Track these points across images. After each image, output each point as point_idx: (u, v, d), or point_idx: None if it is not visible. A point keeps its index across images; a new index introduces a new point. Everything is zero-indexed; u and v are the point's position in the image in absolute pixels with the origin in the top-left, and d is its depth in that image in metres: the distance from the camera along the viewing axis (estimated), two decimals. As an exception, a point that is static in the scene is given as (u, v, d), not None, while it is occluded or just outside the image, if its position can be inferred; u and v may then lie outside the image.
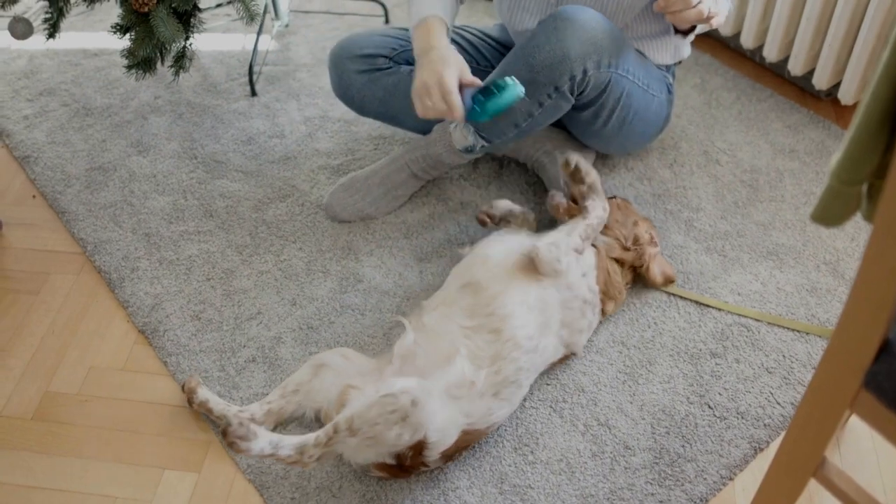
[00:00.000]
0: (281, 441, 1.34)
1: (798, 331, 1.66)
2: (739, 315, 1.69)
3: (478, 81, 1.55)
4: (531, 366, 1.47)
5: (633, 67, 1.68)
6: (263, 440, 1.33)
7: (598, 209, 1.59)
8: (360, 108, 1.87)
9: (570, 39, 1.54)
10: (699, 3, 1.50)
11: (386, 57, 1.80)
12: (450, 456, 1.41)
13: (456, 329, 1.46)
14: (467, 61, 1.85)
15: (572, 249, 1.52)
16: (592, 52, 1.55)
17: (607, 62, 1.59)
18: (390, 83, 1.80)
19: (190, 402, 1.53)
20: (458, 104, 1.51)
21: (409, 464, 1.37)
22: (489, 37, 1.92)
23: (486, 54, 1.90)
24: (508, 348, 1.43)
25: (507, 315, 1.45)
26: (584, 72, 1.57)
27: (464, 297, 1.50)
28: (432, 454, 1.36)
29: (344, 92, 1.85)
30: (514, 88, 1.51)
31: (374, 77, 1.80)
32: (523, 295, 1.48)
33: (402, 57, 1.82)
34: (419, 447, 1.34)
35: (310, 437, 1.34)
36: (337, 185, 1.87)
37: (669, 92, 1.85)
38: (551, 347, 1.52)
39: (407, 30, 1.86)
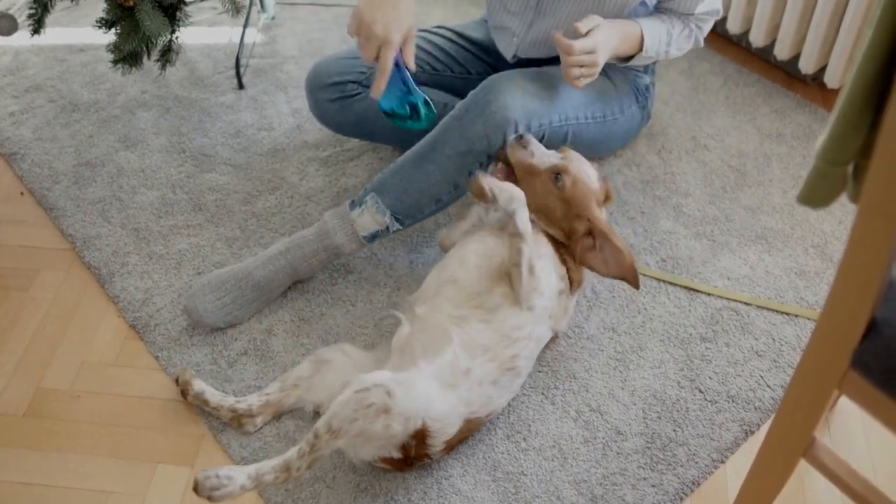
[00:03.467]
0: (261, 469, 1.31)
1: (787, 314, 1.67)
2: (729, 299, 1.69)
3: (411, 65, 1.52)
4: (527, 353, 1.47)
5: (575, 111, 1.69)
6: (242, 477, 1.30)
7: (523, 219, 1.43)
8: (337, 130, 1.91)
9: (501, 109, 1.56)
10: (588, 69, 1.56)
11: (355, 82, 1.80)
12: (452, 446, 1.41)
13: (446, 319, 1.45)
14: (440, 69, 1.87)
15: (540, 281, 1.46)
16: (522, 118, 1.58)
17: (538, 123, 1.62)
18: (361, 109, 1.82)
19: (184, 394, 1.53)
20: (384, 81, 1.49)
21: (413, 455, 1.36)
22: (465, 37, 1.91)
23: (459, 59, 1.89)
24: (499, 338, 1.43)
25: (495, 307, 1.45)
26: (515, 130, 1.59)
27: (447, 291, 1.49)
28: (436, 443, 1.36)
29: (320, 117, 1.88)
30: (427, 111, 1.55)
31: (345, 104, 1.82)
32: (505, 290, 1.47)
33: (371, 80, 1.81)
34: (421, 436, 1.34)
35: (293, 452, 1.31)
36: (200, 283, 1.66)
37: (644, 96, 1.86)
38: (545, 335, 1.52)
39: None
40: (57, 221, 1.89)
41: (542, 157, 1.55)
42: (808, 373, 1.03)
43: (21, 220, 1.92)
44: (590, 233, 1.51)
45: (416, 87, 1.54)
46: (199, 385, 1.52)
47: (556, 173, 1.52)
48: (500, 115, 1.56)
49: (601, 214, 1.54)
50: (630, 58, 1.69)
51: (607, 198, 1.60)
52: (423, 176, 1.61)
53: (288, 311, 1.69)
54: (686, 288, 1.72)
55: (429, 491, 1.42)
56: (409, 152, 1.65)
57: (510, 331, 1.43)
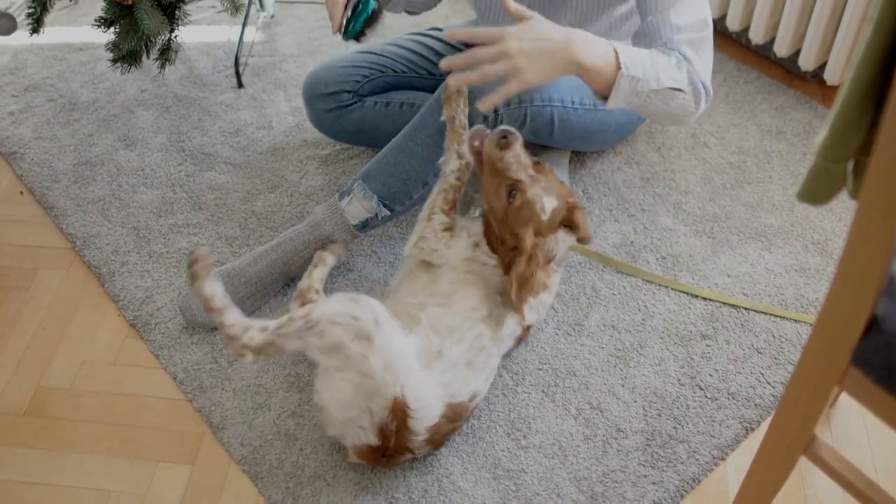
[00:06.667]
0: (234, 309, 1.35)
1: (777, 316, 1.66)
2: (723, 303, 1.70)
3: None
4: (491, 334, 1.45)
5: (560, 94, 1.67)
6: (220, 288, 1.35)
7: (450, 162, 1.51)
8: (335, 138, 1.94)
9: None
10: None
11: (350, 91, 1.81)
12: (437, 441, 1.41)
13: (406, 306, 1.46)
14: (436, 73, 1.87)
15: (439, 230, 1.49)
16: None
17: (517, 99, 1.61)
18: (357, 118, 1.84)
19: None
20: (338, 18, 1.46)
21: (393, 444, 1.34)
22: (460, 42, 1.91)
23: None
24: (461, 319, 1.43)
25: (450, 292, 1.46)
26: (496, 111, 1.58)
27: (403, 286, 1.53)
28: (418, 427, 1.34)
29: (318, 126, 1.90)
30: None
31: (340, 114, 1.83)
32: (452, 277, 1.49)
33: (366, 89, 1.83)
34: (401, 415, 1.31)
35: (259, 322, 1.33)
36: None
37: None
38: (505, 316, 1.47)
39: (373, 53, 1.86)
40: (57, 220, 1.89)
41: (512, 162, 1.43)
42: (808, 369, 1.03)
43: (21, 219, 1.92)
44: (514, 250, 1.44)
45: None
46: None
47: (511, 188, 1.43)
48: (477, 88, 1.54)
49: (533, 242, 1.44)
50: (607, 94, 1.45)
51: (573, 228, 1.52)
52: (406, 158, 1.61)
53: (288, 310, 1.69)
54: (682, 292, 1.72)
55: (429, 489, 1.42)
56: (394, 138, 1.65)
57: (469, 312, 1.44)
